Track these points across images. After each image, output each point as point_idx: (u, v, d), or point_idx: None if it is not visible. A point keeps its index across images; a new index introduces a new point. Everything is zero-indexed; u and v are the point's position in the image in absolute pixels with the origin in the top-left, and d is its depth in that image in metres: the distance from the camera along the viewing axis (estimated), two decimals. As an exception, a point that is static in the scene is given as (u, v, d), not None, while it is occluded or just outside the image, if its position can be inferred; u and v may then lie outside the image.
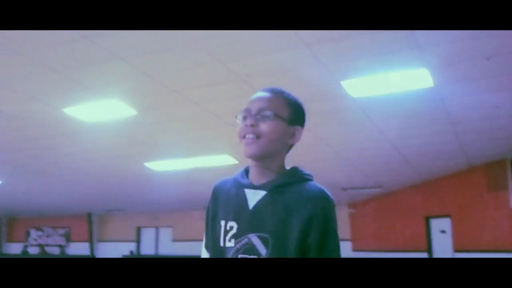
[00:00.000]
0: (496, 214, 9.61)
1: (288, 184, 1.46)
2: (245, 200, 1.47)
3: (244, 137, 1.46)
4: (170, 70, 4.84)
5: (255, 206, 1.45)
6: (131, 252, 19.19)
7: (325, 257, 1.37)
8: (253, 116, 1.46)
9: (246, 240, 1.43)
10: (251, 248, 1.42)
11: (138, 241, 19.75)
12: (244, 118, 1.48)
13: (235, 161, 8.59)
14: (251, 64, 4.63)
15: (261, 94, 1.50)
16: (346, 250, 15.03)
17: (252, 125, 1.44)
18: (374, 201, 13.85)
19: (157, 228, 19.41)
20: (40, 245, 21.11)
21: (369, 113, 6.08)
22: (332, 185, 11.71)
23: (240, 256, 1.42)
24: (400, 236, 12.50)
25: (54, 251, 20.71)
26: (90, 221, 19.79)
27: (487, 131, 6.99)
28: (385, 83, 5.04)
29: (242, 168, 1.59)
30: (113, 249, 19.18)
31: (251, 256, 1.41)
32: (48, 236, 21.14)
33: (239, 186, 1.52)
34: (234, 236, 1.46)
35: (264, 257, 1.39)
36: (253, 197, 1.47)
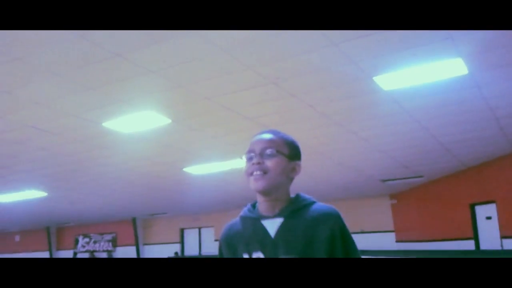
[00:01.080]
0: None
1: (300, 209, 1.63)
2: (265, 230, 1.62)
3: (251, 174, 1.63)
4: (201, 79, 4.91)
5: (276, 233, 1.60)
6: (176, 253, 19.53)
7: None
8: (258, 155, 1.63)
9: None
10: None
11: (182, 243, 20.09)
12: (250, 158, 1.65)
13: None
14: (280, 67, 4.65)
15: (262, 136, 1.68)
16: (390, 242, 14.86)
17: (258, 163, 1.61)
18: (416, 191, 13.62)
19: (199, 228, 19.70)
20: (89, 251, 21.73)
21: (404, 104, 5.99)
22: (372, 177, 11.60)
23: None
24: (445, 224, 12.23)
25: (102, 256, 21.27)
26: (135, 226, 20.24)
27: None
28: (418, 74, 4.96)
29: (246, 207, 1.73)
30: (159, 251, 19.59)
31: None
32: (95, 242, 21.73)
33: (254, 220, 1.66)
34: None
35: None
36: (272, 226, 1.62)
